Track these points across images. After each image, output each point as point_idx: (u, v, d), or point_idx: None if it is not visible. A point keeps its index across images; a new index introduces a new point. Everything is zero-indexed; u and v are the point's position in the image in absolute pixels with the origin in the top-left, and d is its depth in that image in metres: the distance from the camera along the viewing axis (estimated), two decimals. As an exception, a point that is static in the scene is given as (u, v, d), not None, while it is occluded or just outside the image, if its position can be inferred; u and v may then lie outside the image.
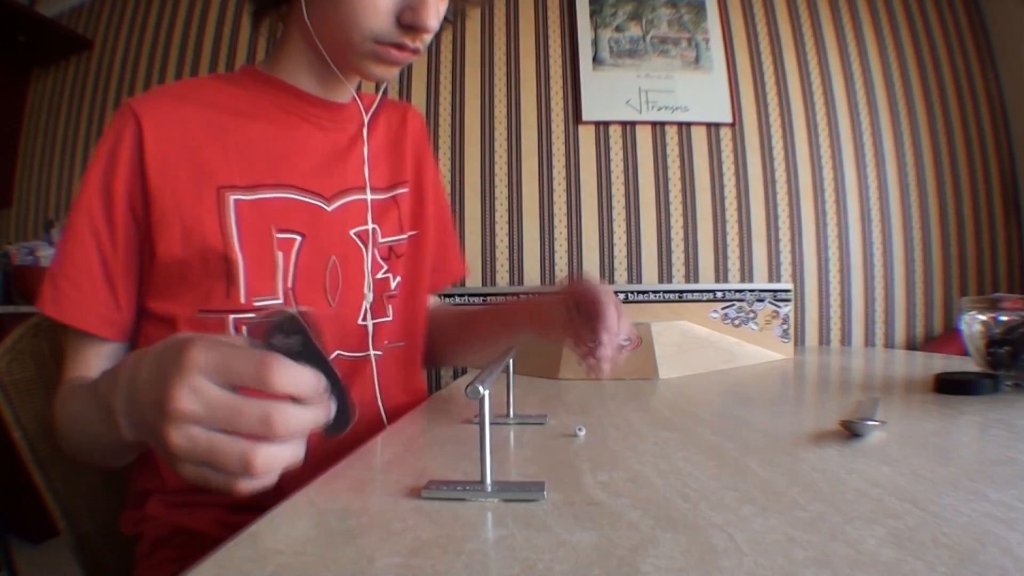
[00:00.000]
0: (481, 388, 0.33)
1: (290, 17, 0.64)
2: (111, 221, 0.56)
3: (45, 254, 2.01)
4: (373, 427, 0.62)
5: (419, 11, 0.55)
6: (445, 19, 0.69)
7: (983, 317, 0.68)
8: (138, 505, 0.60)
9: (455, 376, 1.82)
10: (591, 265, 2.00)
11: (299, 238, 0.62)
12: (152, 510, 0.58)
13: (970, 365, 0.75)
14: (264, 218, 0.59)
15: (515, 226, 2.01)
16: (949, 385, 0.65)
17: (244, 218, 0.58)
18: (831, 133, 2.05)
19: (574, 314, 0.59)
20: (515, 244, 2.00)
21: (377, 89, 0.75)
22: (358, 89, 0.71)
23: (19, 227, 2.28)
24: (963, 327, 0.71)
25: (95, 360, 0.57)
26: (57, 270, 0.57)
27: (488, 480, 0.35)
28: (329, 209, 0.65)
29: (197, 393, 0.29)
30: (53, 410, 0.54)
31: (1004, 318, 0.67)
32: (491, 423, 0.35)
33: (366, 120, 0.70)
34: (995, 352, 0.67)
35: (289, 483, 0.37)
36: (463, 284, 1.78)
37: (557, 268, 1.99)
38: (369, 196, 0.69)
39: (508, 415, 0.58)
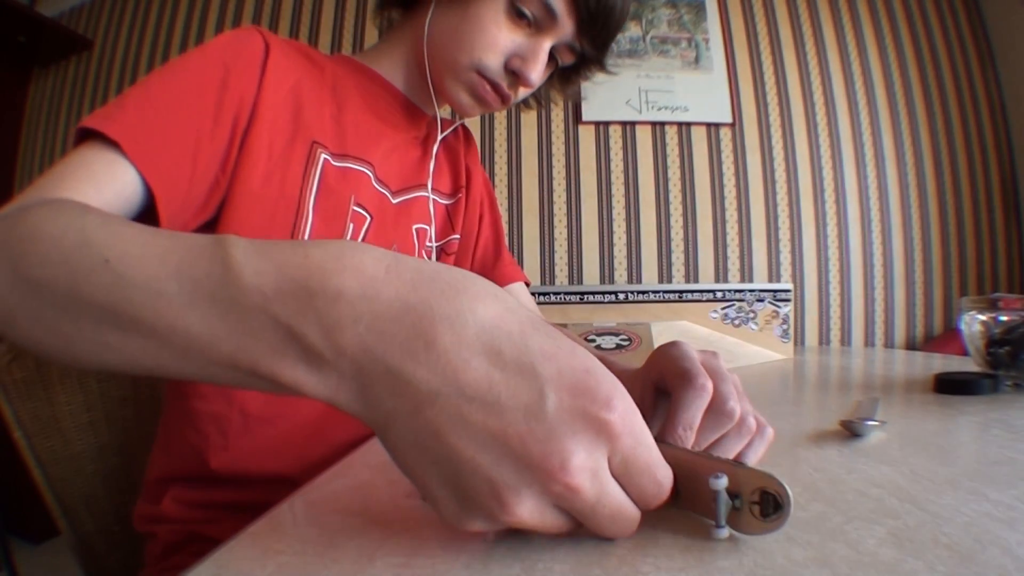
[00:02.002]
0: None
1: (409, 21, 0.67)
2: (218, 114, 0.50)
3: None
4: None
5: (528, 62, 0.60)
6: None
7: (983, 317, 0.68)
8: (154, 500, 0.56)
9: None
10: (591, 265, 2.00)
11: (369, 218, 0.62)
12: (168, 509, 0.55)
13: (970, 365, 0.75)
14: (346, 185, 0.59)
15: (515, 225, 2.01)
16: (949, 385, 0.65)
17: (327, 179, 0.57)
18: (831, 133, 2.05)
19: (653, 400, 0.38)
20: (515, 243, 2.00)
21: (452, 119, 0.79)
22: (437, 121, 0.74)
23: (19, 227, 2.28)
24: (963, 327, 0.71)
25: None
26: (146, 103, 0.46)
27: (488, 480, 0.34)
28: (394, 202, 0.67)
29: (596, 479, 0.23)
30: (29, 218, 0.32)
31: (1004, 318, 0.67)
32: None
33: (439, 138, 0.73)
34: (995, 352, 0.67)
35: (289, 483, 0.37)
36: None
37: (557, 268, 1.99)
38: (431, 195, 0.71)
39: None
